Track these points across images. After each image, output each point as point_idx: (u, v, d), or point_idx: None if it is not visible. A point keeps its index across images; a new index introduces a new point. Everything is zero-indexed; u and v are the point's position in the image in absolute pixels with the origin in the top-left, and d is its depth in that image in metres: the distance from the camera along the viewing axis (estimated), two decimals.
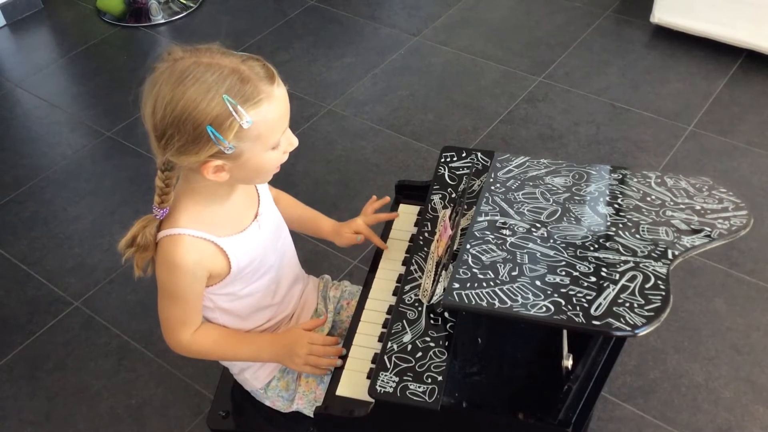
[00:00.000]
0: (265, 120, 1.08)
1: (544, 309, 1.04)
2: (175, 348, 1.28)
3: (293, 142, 1.18)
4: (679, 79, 2.75)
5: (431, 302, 1.21)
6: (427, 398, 1.09)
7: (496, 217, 1.20)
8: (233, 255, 1.20)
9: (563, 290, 1.07)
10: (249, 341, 1.33)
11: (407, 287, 1.26)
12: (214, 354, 1.33)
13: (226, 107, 1.03)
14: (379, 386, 1.11)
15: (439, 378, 1.11)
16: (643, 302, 1.04)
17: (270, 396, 1.39)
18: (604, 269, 1.10)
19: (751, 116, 2.58)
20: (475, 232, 1.18)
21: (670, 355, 1.92)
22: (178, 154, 1.07)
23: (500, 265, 1.11)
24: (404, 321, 1.20)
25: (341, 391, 1.19)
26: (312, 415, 1.32)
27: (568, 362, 1.15)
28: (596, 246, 1.14)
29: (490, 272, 1.10)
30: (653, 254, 1.12)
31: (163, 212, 1.17)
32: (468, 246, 1.15)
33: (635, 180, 1.27)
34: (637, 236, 1.15)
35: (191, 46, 1.09)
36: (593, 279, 1.08)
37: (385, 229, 1.47)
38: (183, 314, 1.24)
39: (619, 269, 1.09)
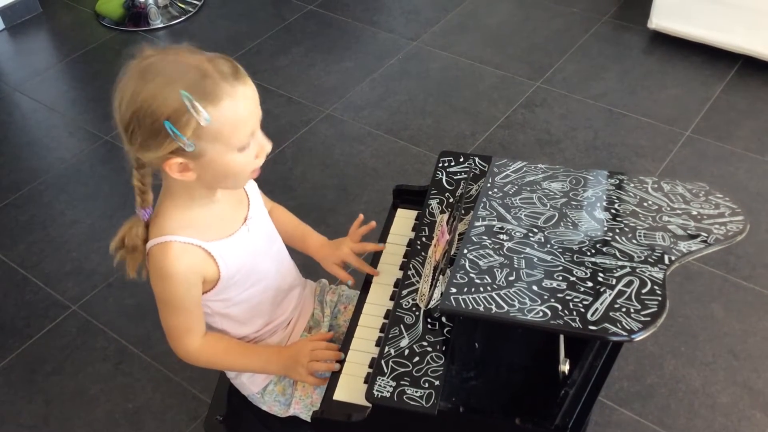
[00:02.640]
0: (225, 118, 1.05)
1: (541, 314, 1.04)
2: (184, 358, 1.28)
3: (265, 145, 1.14)
4: (677, 85, 2.76)
5: (428, 307, 1.21)
6: (424, 403, 1.09)
7: (494, 222, 1.21)
8: (222, 259, 1.20)
9: (560, 295, 1.07)
10: (257, 352, 1.32)
11: (405, 292, 1.26)
12: (223, 363, 1.33)
13: (184, 102, 1.02)
14: (377, 391, 1.11)
15: (437, 383, 1.11)
16: (639, 307, 1.04)
17: (267, 400, 1.39)
18: (600, 274, 1.10)
19: (748, 122, 2.58)
20: (473, 237, 1.18)
21: (668, 360, 1.92)
22: (141, 150, 1.07)
23: (497, 270, 1.12)
24: (401, 325, 1.20)
25: (338, 395, 1.19)
26: (309, 420, 1.32)
27: (565, 367, 1.15)
28: (593, 251, 1.14)
29: (487, 277, 1.11)
30: (650, 259, 1.12)
31: (145, 212, 1.17)
32: (465, 251, 1.15)
33: (632, 185, 1.28)
34: (634, 241, 1.16)
35: (162, 47, 1.09)
36: (590, 284, 1.08)
37: (382, 234, 1.47)
38: (185, 322, 1.24)
39: (616, 274, 1.10)
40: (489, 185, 1.29)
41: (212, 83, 1.04)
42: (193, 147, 1.06)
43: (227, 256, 1.21)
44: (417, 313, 1.21)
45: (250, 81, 1.09)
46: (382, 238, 1.46)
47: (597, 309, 1.04)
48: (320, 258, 1.45)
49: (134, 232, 1.17)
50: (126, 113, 1.05)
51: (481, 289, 1.09)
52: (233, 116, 1.06)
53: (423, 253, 1.32)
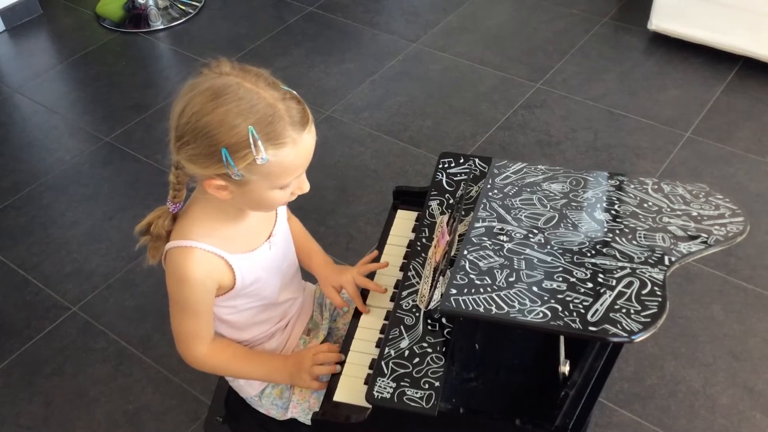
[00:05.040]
0: (281, 163, 1.07)
1: (541, 315, 1.04)
2: (191, 363, 1.28)
3: (304, 187, 1.16)
4: (677, 86, 2.76)
5: (429, 308, 1.21)
6: (424, 404, 1.09)
7: (494, 223, 1.21)
8: (240, 272, 1.20)
9: (560, 296, 1.07)
10: (262, 361, 1.32)
11: (405, 293, 1.26)
12: (229, 370, 1.33)
13: (248, 138, 1.03)
14: (377, 392, 1.11)
15: (437, 384, 1.11)
16: (639, 308, 1.04)
17: (264, 404, 1.39)
18: (600, 275, 1.10)
19: (748, 123, 2.59)
20: (473, 238, 1.18)
21: (668, 362, 1.92)
22: (188, 161, 1.08)
23: (497, 271, 1.12)
24: (402, 327, 1.20)
25: (339, 396, 1.19)
26: (308, 423, 1.32)
27: (565, 368, 1.15)
28: (593, 252, 1.14)
29: (487, 278, 1.11)
30: (650, 260, 1.12)
31: (175, 207, 1.18)
32: (465, 252, 1.15)
33: (632, 186, 1.28)
34: (634, 242, 1.16)
35: (241, 65, 1.08)
36: (590, 285, 1.08)
37: (382, 235, 1.47)
38: (196, 327, 1.24)
39: (616, 275, 1.10)
40: (489, 186, 1.29)
41: (281, 127, 1.05)
42: (241, 177, 1.07)
43: (245, 269, 1.21)
44: (417, 314, 1.21)
45: (314, 127, 1.11)
46: (382, 239, 1.46)
47: (597, 310, 1.04)
48: (320, 278, 1.44)
49: (161, 223, 1.18)
50: (186, 126, 1.05)
51: (482, 290, 1.09)
52: (289, 162, 1.08)
53: (423, 255, 1.32)
